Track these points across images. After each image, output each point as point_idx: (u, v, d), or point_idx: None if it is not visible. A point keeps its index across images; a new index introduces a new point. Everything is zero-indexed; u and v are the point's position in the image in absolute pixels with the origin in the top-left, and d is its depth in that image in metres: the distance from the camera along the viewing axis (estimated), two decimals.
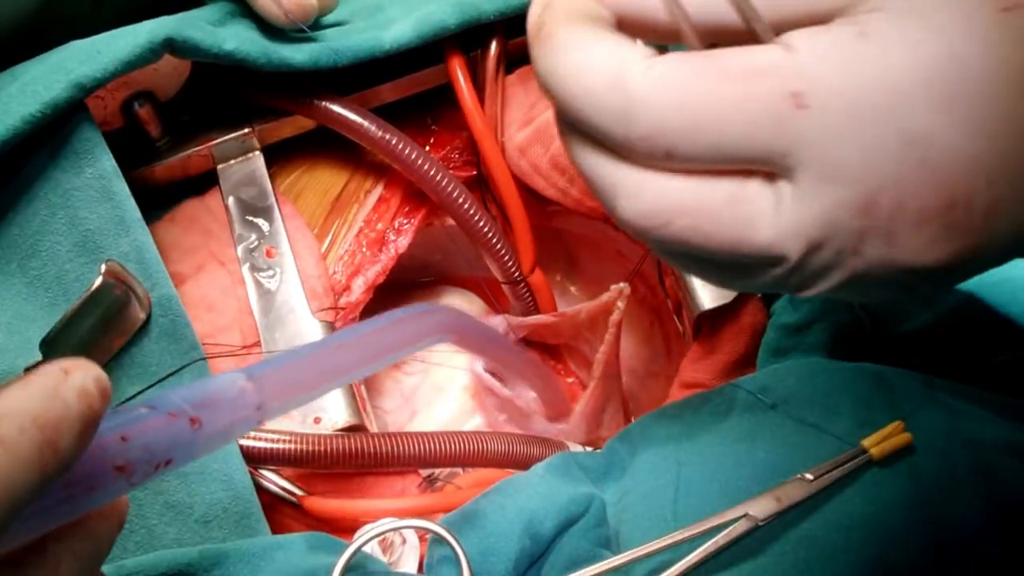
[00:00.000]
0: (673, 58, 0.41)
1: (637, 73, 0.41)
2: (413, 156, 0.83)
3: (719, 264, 0.44)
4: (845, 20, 0.41)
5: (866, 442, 0.60)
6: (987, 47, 0.39)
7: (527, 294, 0.93)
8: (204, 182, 0.84)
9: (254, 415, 0.49)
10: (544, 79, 0.43)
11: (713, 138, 0.40)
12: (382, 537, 0.65)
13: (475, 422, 0.97)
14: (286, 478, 0.72)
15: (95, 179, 0.69)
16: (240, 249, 0.80)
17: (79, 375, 0.36)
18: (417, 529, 0.65)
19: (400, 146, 0.82)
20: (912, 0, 0.40)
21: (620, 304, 0.86)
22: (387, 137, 0.82)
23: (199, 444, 0.44)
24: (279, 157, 0.87)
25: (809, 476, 0.59)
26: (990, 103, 0.39)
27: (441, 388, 0.99)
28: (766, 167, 0.41)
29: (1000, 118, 0.39)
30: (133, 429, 0.40)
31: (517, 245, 0.90)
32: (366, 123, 0.82)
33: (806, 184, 0.40)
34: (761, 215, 0.41)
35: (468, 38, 0.85)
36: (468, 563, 0.59)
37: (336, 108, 0.81)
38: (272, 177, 0.84)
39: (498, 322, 0.99)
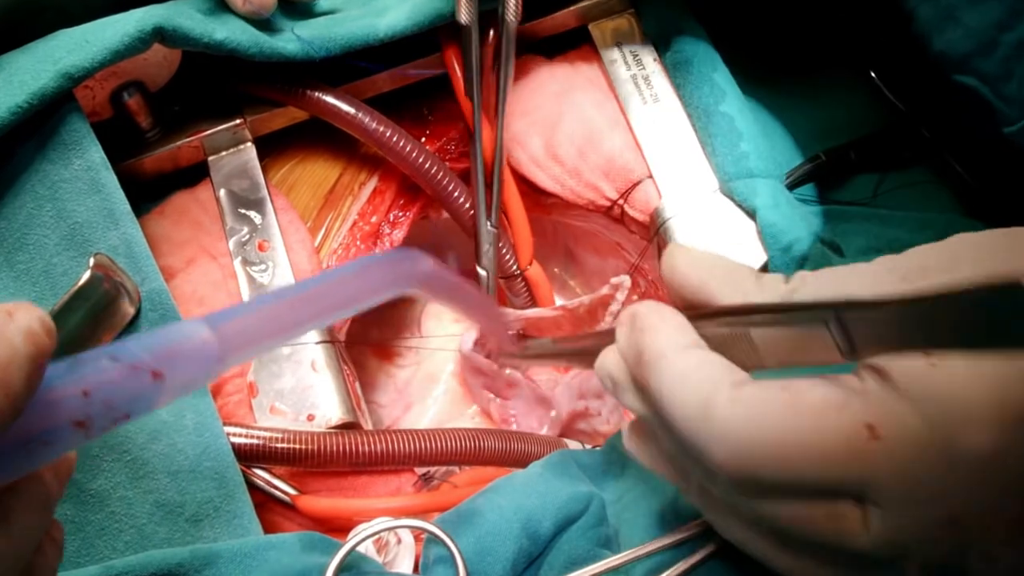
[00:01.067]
0: (757, 388, 0.45)
1: (724, 401, 0.44)
2: (407, 148, 0.83)
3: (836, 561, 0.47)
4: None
5: None
6: None
7: (524, 288, 0.93)
8: (195, 174, 0.84)
9: (216, 367, 0.49)
10: (652, 401, 0.49)
11: (794, 469, 0.43)
12: (377, 537, 0.65)
13: (472, 409, 0.97)
14: (279, 477, 0.72)
15: (83, 171, 0.69)
16: (232, 242, 0.79)
17: (23, 316, 0.37)
18: (412, 529, 0.64)
19: (394, 138, 0.82)
20: None
21: (619, 296, 0.86)
22: (380, 128, 0.82)
23: (160, 398, 0.44)
24: (272, 148, 0.87)
25: None
26: None
27: (433, 377, 0.99)
28: (852, 495, 0.43)
29: None
30: (95, 384, 0.40)
31: (514, 238, 0.90)
32: (359, 114, 0.81)
33: (891, 506, 0.43)
34: (854, 528, 0.44)
35: None
36: (464, 563, 0.59)
37: (328, 99, 0.81)
38: (264, 169, 0.84)
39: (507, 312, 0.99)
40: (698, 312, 0.51)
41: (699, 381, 0.46)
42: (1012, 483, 0.41)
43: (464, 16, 0.80)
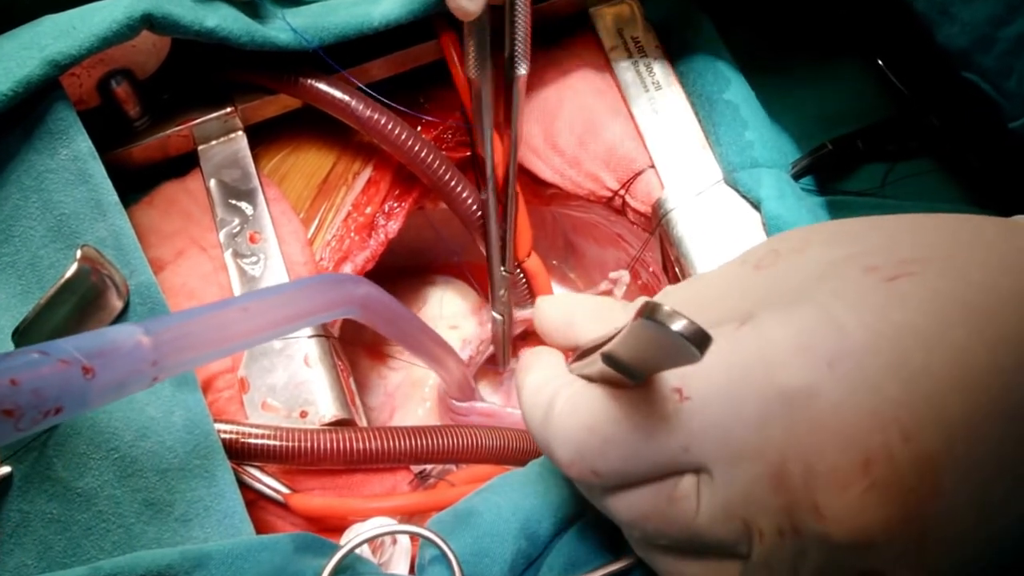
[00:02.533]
0: (579, 384, 0.51)
1: (558, 404, 0.51)
2: (403, 137, 0.82)
3: (696, 551, 0.49)
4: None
5: None
6: (869, 311, 0.42)
7: (522, 281, 0.93)
8: (184, 164, 0.83)
9: (149, 370, 0.49)
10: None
11: (623, 450, 0.46)
12: None
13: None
14: (271, 475, 0.71)
15: (70, 161, 0.69)
16: (222, 234, 0.79)
17: None
18: (406, 534, 0.64)
19: (389, 126, 0.82)
20: (791, 293, 0.46)
21: (617, 292, 0.86)
22: (375, 116, 0.81)
23: (92, 394, 0.45)
24: (263, 137, 0.87)
25: None
26: (877, 359, 0.41)
27: (417, 383, 0.99)
28: (683, 466, 0.46)
29: (897, 373, 0.41)
30: (23, 373, 0.40)
31: (511, 229, 0.89)
32: (353, 102, 0.81)
33: (718, 469, 0.44)
34: (693, 507, 0.46)
35: None
36: (459, 566, 0.58)
37: (321, 86, 0.81)
38: (256, 158, 0.84)
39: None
40: (577, 353, 0.57)
41: (543, 393, 0.53)
42: (830, 425, 0.41)
43: (473, 71, 0.80)
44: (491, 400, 0.97)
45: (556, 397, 0.51)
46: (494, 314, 0.91)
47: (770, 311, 0.45)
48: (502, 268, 0.87)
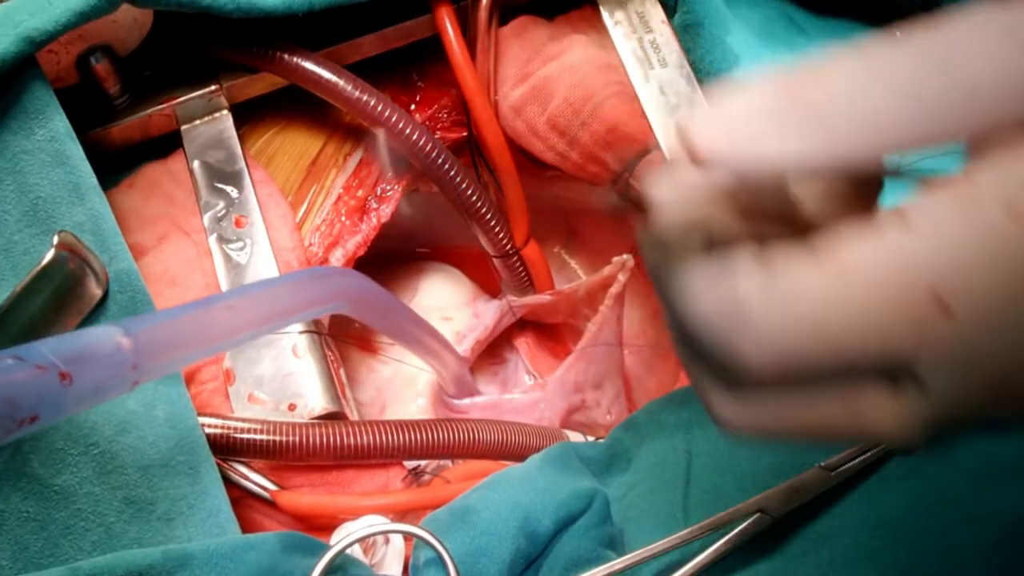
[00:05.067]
0: (791, 267, 0.36)
1: (744, 285, 0.37)
2: (393, 119, 0.82)
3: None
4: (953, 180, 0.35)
5: None
6: None
7: (521, 268, 0.92)
8: (167, 144, 0.83)
9: (130, 374, 0.49)
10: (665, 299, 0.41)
11: (832, 349, 0.36)
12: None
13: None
14: (257, 471, 0.71)
15: (46, 141, 0.68)
16: (207, 218, 0.79)
17: None
18: (399, 533, 0.64)
19: (378, 107, 0.81)
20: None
21: (621, 277, 0.86)
22: (364, 97, 0.81)
23: (68, 401, 0.44)
24: (249, 117, 0.86)
25: (828, 466, 0.59)
26: None
27: (409, 379, 0.99)
28: (888, 370, 0.37)
29: None
30: None
31: (510, 214, 0.89)
32: (341, 82, 0.81)
33: (936, 383, 0.36)
34: (880, 414, 0.38)
35: None
36: (455, 566, 0.58)
37: (308, 64, 0.80)
38: (242, 139, 0.83)
39: (497, 306, 0.99)
40: None
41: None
42: None
43: None
44: (487, 392, 0.97)
45: (744, 295, 0.37)
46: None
47: (999, 183, 0.34)
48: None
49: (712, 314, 0.38)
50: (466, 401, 0.91)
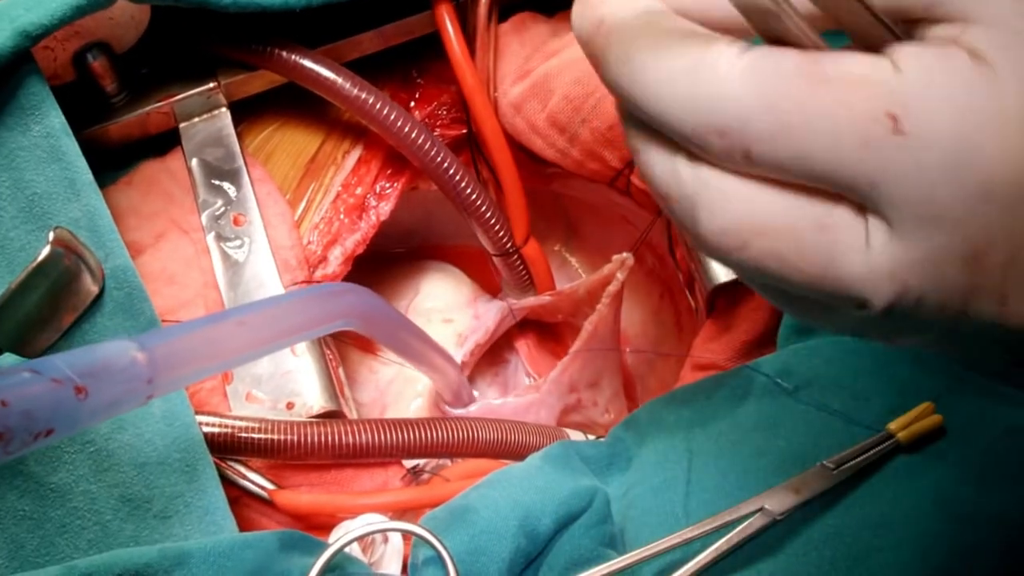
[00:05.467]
0: (767, 51, 0.38)
1: (725, 61, 0.38)
2: (392, 117, 0.82)
3: (801, 297, 0.42)
4: (949, 35, 0.38)
5: (892, 425, 0.60)
6: None
7: (521, 267, 0.92)
8: (165, 142, 0.83)
9: (144, 388, 0.49)
10: (611, 69, 0.41)
11: (795, 146, 0.38)
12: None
13: None
14: (255, 470, 0.71)
15: (43, 138, 0.68)
16: (204, 216, 0.79)
17: None
18: (398, 532, 0.64)
19: (377, 106, 0.81)
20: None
21: (620, 275, 0.86)
22: (363, 96, 0.81)
23: (83, 415, 0.44)
24: (248, 114, 0.86)
25: (831, 464, 0.59)
26: None
27: (410, 380, 0.99)
28: (854, 195, 0.38)
29: None
30: (13, 393, 0.40)
31: (510, 212, 0.89)
32: (339, 79, 0.80)
33: (901, 224, 0.38)
34: (849, 248, 0.39)
35: None
36: (455, 565, 0.58)
37: (306, 62, 0.80)
38: (240, 136, 0.83)
39: (498, 307, 0.98)
40: None
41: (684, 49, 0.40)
42: None
43: None
44: (488, 394, 0.97)
45: (713, 56, 0.39)
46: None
47: (1002, 46, 0.37)
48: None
49: (677, 70, 0.39)
50: (460, 411, 0.91)
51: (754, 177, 0.39)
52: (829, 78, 0.37)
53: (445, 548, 0.58)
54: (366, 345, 1.01)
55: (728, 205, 0.40)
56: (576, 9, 0.43)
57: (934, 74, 0.37)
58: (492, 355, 1.07)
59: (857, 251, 0.39)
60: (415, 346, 0.79)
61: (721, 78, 0.38)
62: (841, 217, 0.39)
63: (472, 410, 0.91)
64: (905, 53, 0.37)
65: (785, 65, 0.38)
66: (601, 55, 0.41)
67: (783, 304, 0.45)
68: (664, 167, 0.42)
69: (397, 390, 0.99)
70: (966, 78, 0.37)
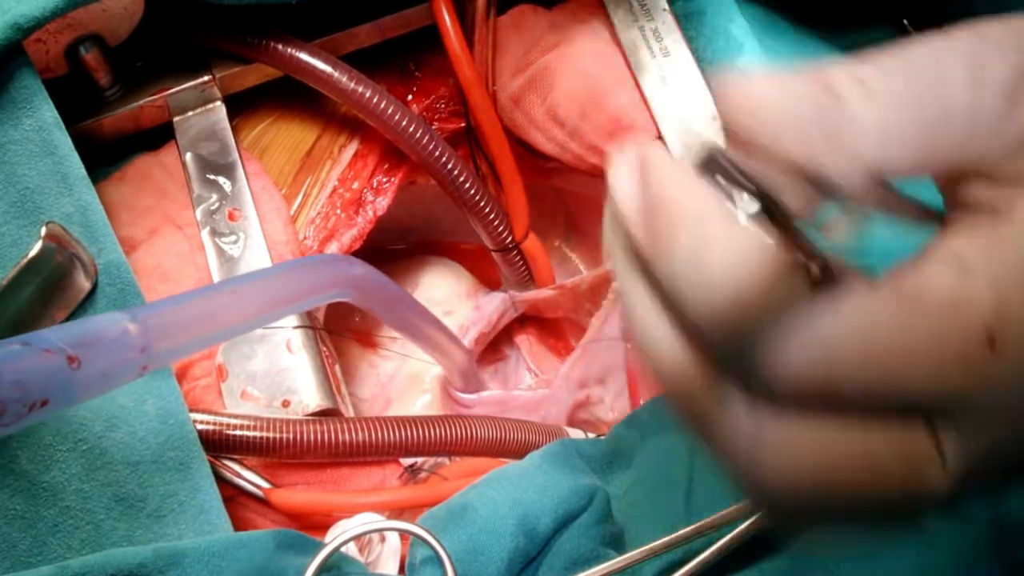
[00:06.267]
0: (855, 287, 0.35)
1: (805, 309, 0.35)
2: (389, 111, 0.81)
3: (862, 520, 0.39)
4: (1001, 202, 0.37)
5: None
6: None
7: (520, 262, 0.92)
8: (159, 136, 0.83)
9: (138, 358, 0.49)
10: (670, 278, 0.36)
11: (892, 378, 0.35)
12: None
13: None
14: (250, 468, 0.71)
15: (34, 131, 0.68)
16: (199, 211, 0.78)
17: None
18: (394, 531, 0.64)
19: (374, 99, 0.81)
20: None
21: None
22: (359, 89, 0.81)
23: (78, 385, 0.44)
24: (243, 108, 0.86)
25: None
26: None
27: (416, 375, 0.99)
28: (932, 411, 0.36)
29: None
30: (4, 364, 0.40)
31: (509, 207, 0.89)
32: (336, 72, 0.80)
33: (974, 428, 0.36)
34: (929, 464, 0.36)
35: None
36: (452, 565, 0.58)
37: (302, 55, 0.80)
38: (235, 130, 0.83)
39: (500, 298, 0.98)
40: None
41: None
42: None
43: None
44: (489, 387, 0.97)
45: (793, 303, 0.35)
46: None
47: None
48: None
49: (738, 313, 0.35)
50: (473, 396, 0.91)
51: (820, 416, 0.36)
52: (925, 303, 0.35)
53: (443, 548, 0.58)
54: (366, 339, 1.01)
55: (804, 449, 0.36)
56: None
57: (1009, 273, 0.35)
58: (493, 350, 1.07)
59: (936, 465, 0.36)
60: (416, 323, 0.79)
61: (792, 316, 0.35)
62: (916, 435, 0.36)
63: (484, 396, 0.91)
64: (968, 247, 0.36)
65: (881, 298, 0.35)
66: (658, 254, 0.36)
67: (834, 532, 0.42)
68: (717, 411, 0.37)
69: (401, 385, 0.99)
70: None
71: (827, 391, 0.35)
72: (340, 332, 0.96)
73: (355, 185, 0.85)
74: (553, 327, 1.06)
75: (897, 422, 0.36)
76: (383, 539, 0.66)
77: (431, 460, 0.77)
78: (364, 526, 0.61)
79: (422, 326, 0.79)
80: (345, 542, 0.59)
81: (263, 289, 0.61)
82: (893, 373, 0.35)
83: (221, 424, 0.68)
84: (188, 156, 0.80)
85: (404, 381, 0.99)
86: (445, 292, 1.05)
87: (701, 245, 0.35)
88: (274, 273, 0.63)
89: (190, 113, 0.82)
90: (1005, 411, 0.36)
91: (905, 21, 0.93)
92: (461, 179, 0.85)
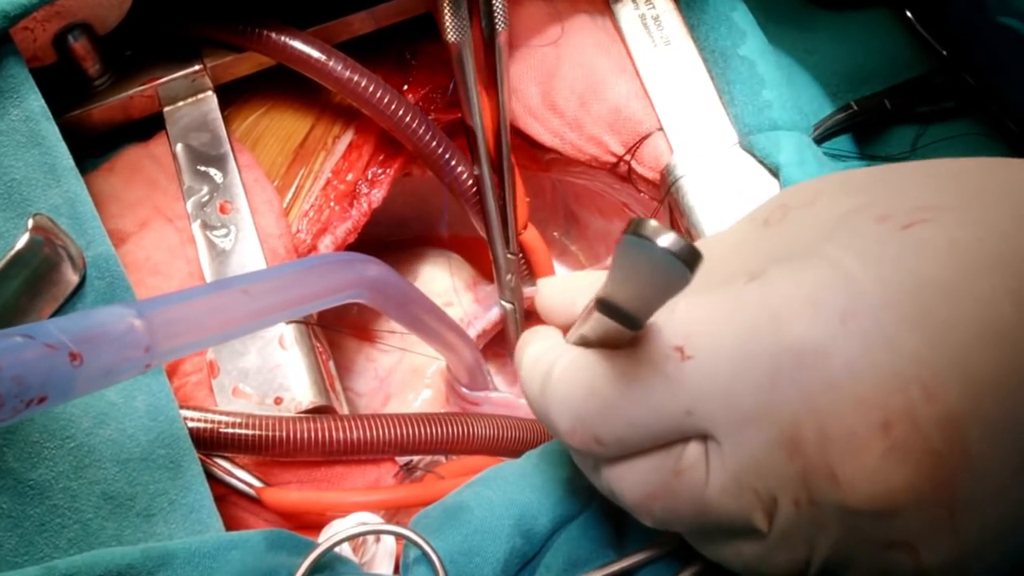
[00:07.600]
0: (577, 351, 0.51)
1: (556, 372, 0.51)
2: (385, 100, 0.81)
3: (710, 533, 0.50)
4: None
5: None
6: (883, 262, 0.42)
7: (520, 254, 0.92)
8: (148, 126, 0.83)
9: (142, 356, 0.49)
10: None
11: (624, 415, 0.47)
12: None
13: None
14: (242, 467, 0.71)
15: (21, 122, 0.68)
16: (190, 203, 0.78)
17: None
18: (385, 534, 0.64)
19: (369, 88, 0.81)
20: (801, 248, 0.46)
21: None
22: (354, 78, 0.80)
23: (78, 382, 0.44)
24: (234, 97, 0.86)
25: None
26: (894, 312, 0.41)
27: (419, 373, 0.98)
28: (688, 432, 0.46)
29: (917, 328, 0.41)
30: (5, 358, 0.40)
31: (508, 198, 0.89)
32: (330, 61, 0.80)
33: (725, 435, 0.44)
34: (701, 478, 0.46)
35: None
36: (443, 567, 0.58)
37: (295, 43, 0.80)
38: (226, 120, 0.83)
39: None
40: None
41: (541, 363, 0.53)
42: (844, 385, 0.41)
43: (451, 34, 0.79)
44: (495, 382, 0.96)
45: (554, 365, 0.51)
46: (503, 303, 0.91)
47: (779, 266, 0.45)
48: (507, 251, 0.87)
49: (532, 384, 0.55)
50: (480, 394, 0.91)
51: (629, 456, 0.49)
52: (624, 350, 0.47)
53: (433, 550, 0.58)
54: (362, 333, 1.01)
55: (624, 486, 0.50)
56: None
57: (702, 301, 0.46)
58: (497, 345, 1.07)
59: (708, 476, 0.46)
60: (428, 321, 0.79)
61: (555, 389, 0.51)
62: (691, 454, 0.47)
63: (492, 396, 0.91)
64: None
65: (586, 356, 0.49)
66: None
67: (704, 547, 0.52)
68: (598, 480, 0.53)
69: (400, 380, 0.99)
70: (734, 293, 0.46)
71: (587, 438, 0.49)
72: (335, 327, 0.96)
73: (349, 177, 0.85)
74: None
75: (671, 447, 0.47)
76: (378, 539, 0.66)
77: (427, 458, 0.77)
78: (355, 528, 0.61)
79: (433, 324, 0.79)
80: (337, 543, 0.59)
81: (276, 289, 0.60)
82: (622, 413, 0.47)
83: (212, 421, 0.68)
84: (179, 147, 0.80)
85: (404, 375, 0.99)
86: (444, 284, 1.05)
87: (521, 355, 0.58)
88: (288, 272, 0.62)
89: (181, 103, 0.82)
90: (736, 413, 0.44)
91: (909, 13, 0.93)
92: (459, 170, 0.85)
